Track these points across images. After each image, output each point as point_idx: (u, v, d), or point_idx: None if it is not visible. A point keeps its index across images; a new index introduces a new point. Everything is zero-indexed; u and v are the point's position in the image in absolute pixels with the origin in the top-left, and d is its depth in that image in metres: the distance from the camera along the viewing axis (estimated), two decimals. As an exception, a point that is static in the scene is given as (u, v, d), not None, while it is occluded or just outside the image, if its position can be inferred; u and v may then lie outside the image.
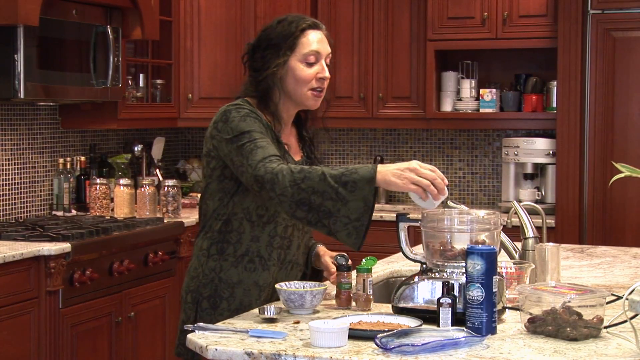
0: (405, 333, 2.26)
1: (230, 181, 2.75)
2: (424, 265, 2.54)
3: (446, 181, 2.48)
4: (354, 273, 2.72)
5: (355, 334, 2.28)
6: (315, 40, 2.78)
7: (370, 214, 2.48)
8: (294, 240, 2.84)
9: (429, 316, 2.40)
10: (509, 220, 3.18)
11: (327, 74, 2.80)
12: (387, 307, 2.61)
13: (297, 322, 2.46)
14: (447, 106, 5.68)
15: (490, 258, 2.33)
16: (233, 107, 2.73)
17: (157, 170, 5.66)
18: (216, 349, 2.24)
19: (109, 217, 4.81)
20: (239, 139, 2.65)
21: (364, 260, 2.73)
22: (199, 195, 5.68)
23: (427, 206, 2.49)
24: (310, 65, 2.77)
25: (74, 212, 4.97)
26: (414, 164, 2.48)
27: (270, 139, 2.69)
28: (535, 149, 5.44)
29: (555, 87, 5.35)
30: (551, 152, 5.39)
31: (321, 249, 2.98)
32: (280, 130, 2.79)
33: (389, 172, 2.48)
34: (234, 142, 2.65)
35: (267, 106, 2.77)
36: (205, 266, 2.80)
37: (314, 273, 2.98)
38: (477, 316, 2.31)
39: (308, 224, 2.54)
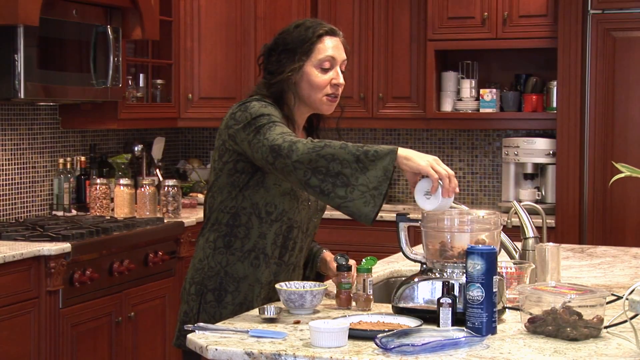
0: (405, 333, 2.25)
1: (241, 175, 2.74)
2: (424, 265, 2.54)
3: (457, 189, 2.48)
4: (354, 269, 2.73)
5: (355, 334, 2.28)
6: (331, 46, 2.78)
7: (389, 184, 2.47)
8: (297, 242, 2.83)
9: (429, 316, 2.40)
10: (509, 220, 3.18)
11: (341, 80, 2.80)
12: (387, 307, 2.61)
13: (297, 322, 2.46)
14: (447, 106, 5.67)
15: (490, 258, 2.33)
16: (253, 99, 2.74)
17: (157, 170, 5.66)
18: (216, 349, 2.24)
19: (109, 217, 4.81)
20: (257, 120, 2.64)
21: (364, 260, 2.73)
22: (199, 195, 5.73)
23: (428, 206, 2.49)
24: (325, 71, 2.78)
25: (74, 212, 4.97)
26: (436, 157, 2.50)
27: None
28: (535, 149, 5.44)
29: (555, 87, 5.35)
30: (551, 152, 5.39)
31: (327, 254, 2.98)
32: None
33: (411, 150, 2.50)
34: (252, 125, 2.64)
35: (281, 109, 2.77)
36: (211, 259, 2.79)
37: (318, 277, 2.98)
38: (477, 316, 2.31)
39: (320, 193, 2.50)
